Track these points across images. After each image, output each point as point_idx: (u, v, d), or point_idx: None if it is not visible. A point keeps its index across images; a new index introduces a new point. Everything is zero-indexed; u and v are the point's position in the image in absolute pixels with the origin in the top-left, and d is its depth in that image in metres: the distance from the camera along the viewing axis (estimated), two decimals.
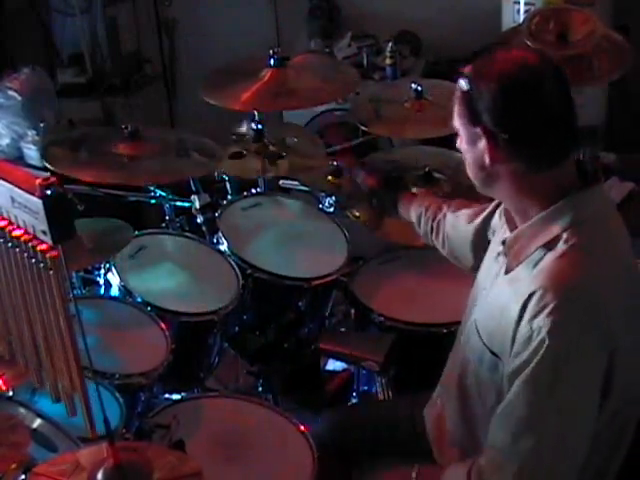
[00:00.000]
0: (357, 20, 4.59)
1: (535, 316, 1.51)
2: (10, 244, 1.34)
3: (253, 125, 2.78)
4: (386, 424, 2.03)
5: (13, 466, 1.54)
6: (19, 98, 3.76)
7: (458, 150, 1.70)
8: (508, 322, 1.57)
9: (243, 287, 2.49)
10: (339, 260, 2.60)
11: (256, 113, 2.76)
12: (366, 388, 2.52)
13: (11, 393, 1.90)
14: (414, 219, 2.19)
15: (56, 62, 4.72)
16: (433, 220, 2.12)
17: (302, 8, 4.61)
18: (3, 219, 1.34)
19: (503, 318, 1.60)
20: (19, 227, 1.32)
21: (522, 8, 3.86)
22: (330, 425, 2.15)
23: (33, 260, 1.32)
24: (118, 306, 2.40)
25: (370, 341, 2.37)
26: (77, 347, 1.36)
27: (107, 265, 2.44)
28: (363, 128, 2.86)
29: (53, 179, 1.24)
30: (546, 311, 1.49)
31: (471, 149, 1.62)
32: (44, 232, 1.27)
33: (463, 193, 2.14)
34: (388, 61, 4.17)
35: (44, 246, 1.29)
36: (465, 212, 2.04)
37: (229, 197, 2.86)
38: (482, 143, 1.57)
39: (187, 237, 2.71)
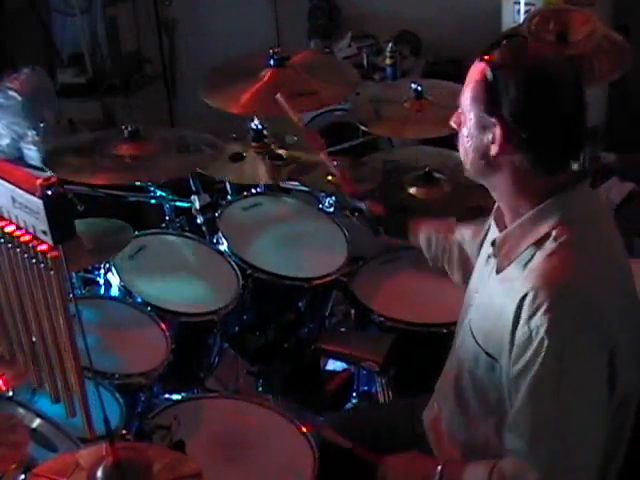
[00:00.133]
0: (357, 20, 4.59)
1: (532, 316, 1.51)
2: (10, 244, 1.35)
3: (253, 125, 2.78)
4: (386, 426, 2.03)
5: (13, 466, 1.54)
6: (19, 98, 3.76)
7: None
8: (504, 323, 1.57)
9: (243, 287, 2.49)
10: (339, 260, 2.60)
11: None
12: (366, 388, 2.51)
13: (11, 393, 1.90)
14: (423, 242, 2.18)
15: (56, 62, 4.72)
16: (445, 239, 2.11)
17: (302, 8, 4.62)
18: (4, 219, 1.34)
19: (498, 319, 1.60)
20: (19, 227, 1.32)
21: (522, 8, 3.87)
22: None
23: (34, 260, 1.32)
24: (118, 306, 2.40)
25: (370, 341, 2.37)
26: (77, 347, 1.36)
27: (107, 265, 2.44)
28: (363, 128, 2.86)
29: (54, 179, 1.24)
30: (542, 310, 1.50)
31: (477, 135, 1.59)
32: (44, 232, 1.27)
33: (463, 193, 2.14)
34: (388, 61, 4.18)
35: (44, 246, 1.29)
36: (471, 228, 2.03)
37: (229, 197, 2.85)
38: (493, 133, 1.56)
39: (187, 237, 2.70)
